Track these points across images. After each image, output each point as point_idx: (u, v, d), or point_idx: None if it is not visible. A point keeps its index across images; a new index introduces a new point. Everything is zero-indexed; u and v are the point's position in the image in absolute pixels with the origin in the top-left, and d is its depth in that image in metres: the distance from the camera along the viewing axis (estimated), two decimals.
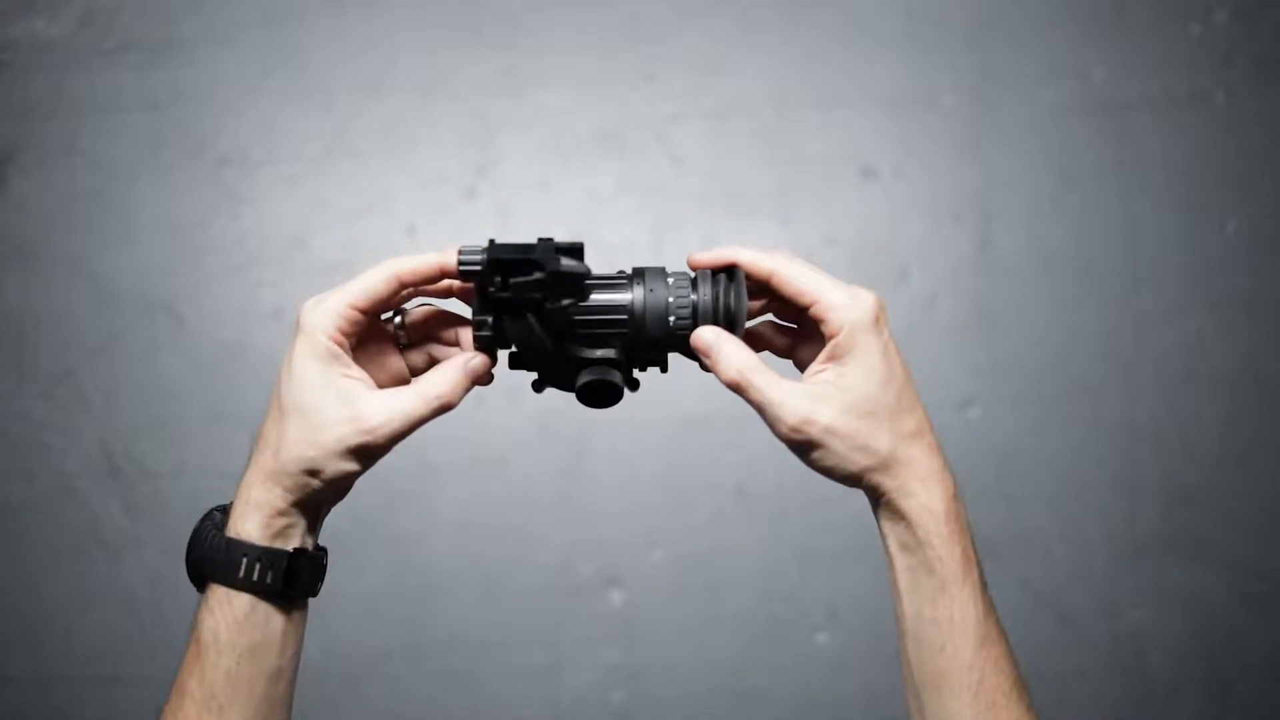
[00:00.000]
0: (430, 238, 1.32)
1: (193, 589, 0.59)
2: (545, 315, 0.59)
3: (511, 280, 0.57)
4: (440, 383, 0.59)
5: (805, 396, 0.57)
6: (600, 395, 0.61)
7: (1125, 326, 1.31)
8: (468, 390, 0.60)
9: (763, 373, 0.58)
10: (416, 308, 0.63)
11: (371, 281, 0.58)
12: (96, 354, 1.32)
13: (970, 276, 1.32)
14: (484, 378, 0.61)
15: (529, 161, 1.33)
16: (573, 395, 0.62)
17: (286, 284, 1.33)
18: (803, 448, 0.58)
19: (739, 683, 1.30)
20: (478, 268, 0.58)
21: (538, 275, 0.57)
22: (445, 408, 0.59)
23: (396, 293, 0.59)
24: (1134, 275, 1.31)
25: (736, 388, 0.59)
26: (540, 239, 0.59)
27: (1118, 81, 1.32)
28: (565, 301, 0.59)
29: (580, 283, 0.59)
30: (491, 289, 0.58)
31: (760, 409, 0.58)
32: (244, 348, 1.32)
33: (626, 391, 0.62)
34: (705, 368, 0.62)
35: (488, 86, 1.34)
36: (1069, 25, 1.33)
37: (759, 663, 1.30)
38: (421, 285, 0.60)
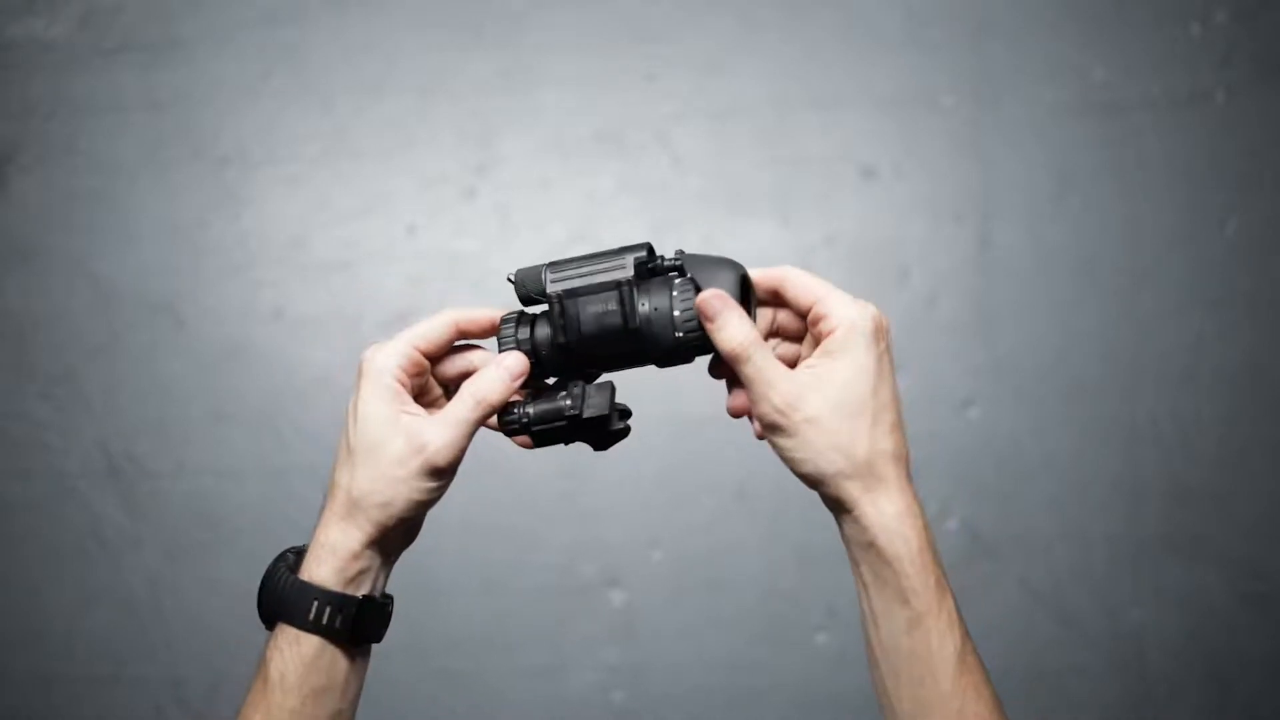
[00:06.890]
0: (430, 238, 1.32)
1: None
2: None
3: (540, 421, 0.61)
4: (478, 379, 0.61)
5: (797, 383, 0.57)
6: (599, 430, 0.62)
7: (1125, 326, 1.31)
8: (510, 388, 0.61)
9: (763, 350, 0.58)
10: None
11: (432, 326, 0.62)
12: (96, 354, 1.32)
13: (970, 276, 1.32)
14: (524, 373, 0.62)
15: (529, 161, 1.33)
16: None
17: (286, 284, 1.33)
18: (781, 432, 0.57)
19: (739, 682, 1.30)
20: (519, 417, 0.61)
21: (562, 423, 0.60)
22: (490, 406, 0.60)
23: (455, 338, 0.63)
24: (1134, 275, 1.31)
25: (734, 359, 0.58)
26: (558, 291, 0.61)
27: (1118, 81, 1.32)
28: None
29: (603, 425, 0.61)
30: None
31: (749, 384, 0.58)
32: (244, 348, 1.32)
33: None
34: (713, 368, 0.62)
35: (488, 86, 1.34)
36: (1069, 25, 1.33)
37: (759, 662, 1.30)
38: (475, 334, 0.64)
